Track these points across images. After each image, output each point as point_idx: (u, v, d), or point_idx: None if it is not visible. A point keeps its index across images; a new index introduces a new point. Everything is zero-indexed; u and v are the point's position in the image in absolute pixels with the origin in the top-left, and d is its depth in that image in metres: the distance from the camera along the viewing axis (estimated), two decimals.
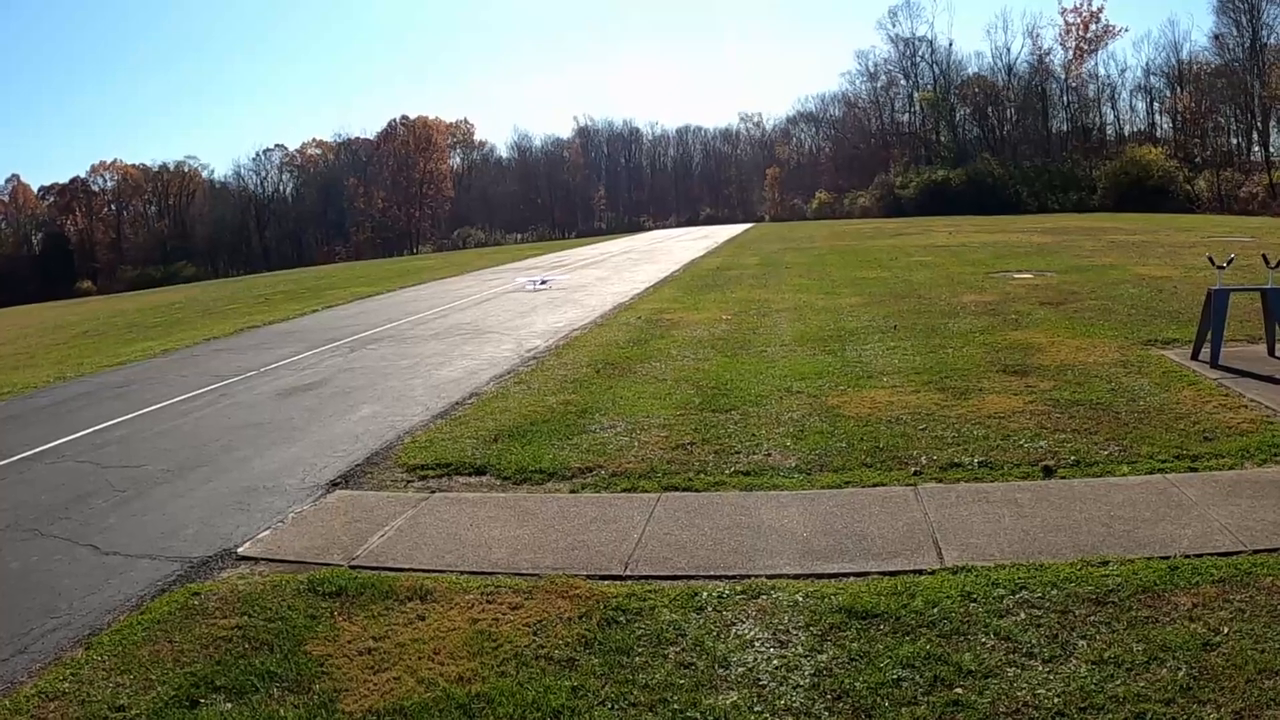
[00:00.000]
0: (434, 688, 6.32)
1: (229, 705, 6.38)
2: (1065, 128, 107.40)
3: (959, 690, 5.73)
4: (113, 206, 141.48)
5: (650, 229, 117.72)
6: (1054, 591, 6.87)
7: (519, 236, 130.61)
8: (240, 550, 9.43)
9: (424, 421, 14.26)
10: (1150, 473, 9.40)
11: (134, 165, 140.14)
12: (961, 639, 6.32)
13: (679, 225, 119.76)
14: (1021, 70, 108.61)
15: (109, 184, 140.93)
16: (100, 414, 17.47)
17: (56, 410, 18.71)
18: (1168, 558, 7.33)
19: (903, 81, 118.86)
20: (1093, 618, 6.47)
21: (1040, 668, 5.91)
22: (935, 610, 6.71)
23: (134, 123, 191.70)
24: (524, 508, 9.90)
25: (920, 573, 7.46)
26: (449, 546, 8.94)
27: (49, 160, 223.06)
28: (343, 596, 7.94)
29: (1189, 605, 6.53)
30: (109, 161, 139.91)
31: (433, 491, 10.77)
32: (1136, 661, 5.87)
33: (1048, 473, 9.60)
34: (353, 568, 8.61)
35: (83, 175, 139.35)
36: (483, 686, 6.26)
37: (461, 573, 8.28)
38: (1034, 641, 6.21)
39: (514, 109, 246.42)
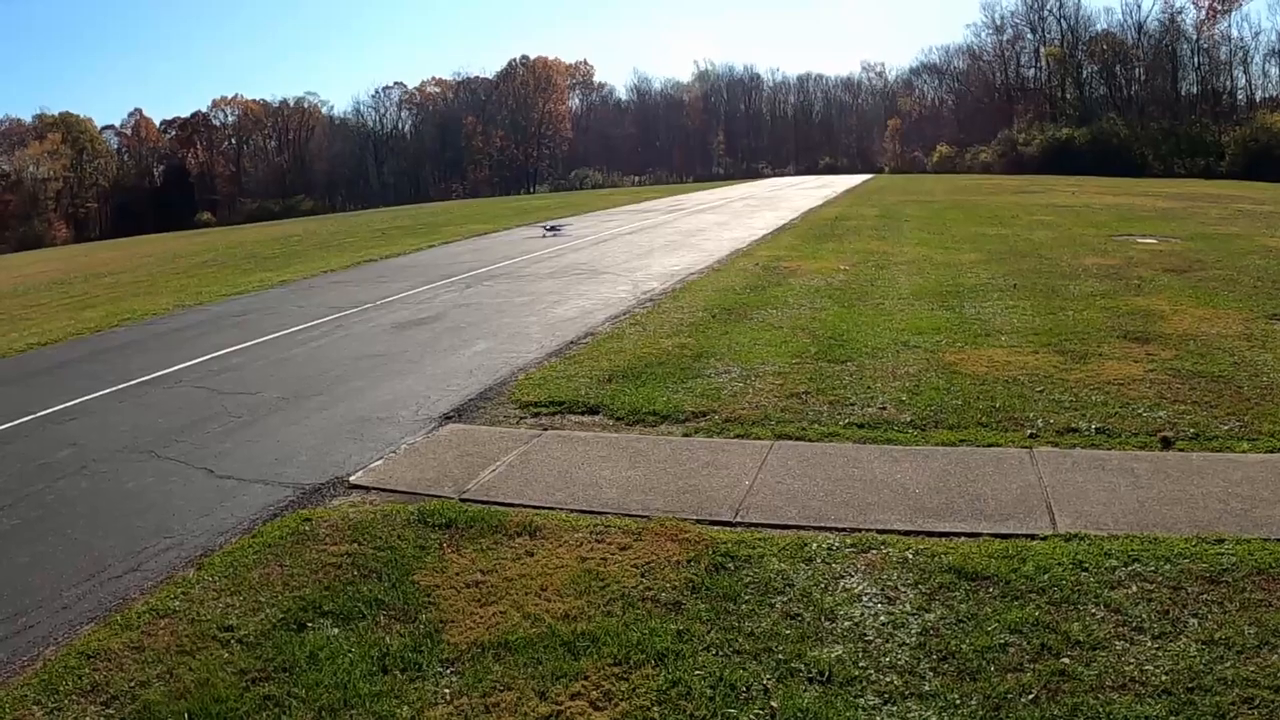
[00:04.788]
0: (539, 623, 6.41)
1: (336, 630, 6.55)
2: (1194, 90, 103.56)
3: (1066, 660, 5.65)
4: (233, 140, 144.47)
5: (769, 176, 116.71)
6: (1167, 566, 6.71)
7: (636, 179, 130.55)
8: (352, 479, 9.66)
9: (538, 359, 14.40)
10: (1270, 451, 9.06)
11: (255, 100, 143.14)
12: (1071, 608, 6.22)
13: (797, 173, 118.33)
14: (1151, 29, 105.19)
15: (230, 118, 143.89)
16: (218, 342, 17.99)
17: (175, 337, 19.29)
18: None
19: (1029, 35, 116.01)
20: (1205, 596, 6.30)
21: (1149, 643, 5.79)
22: (1046, 577, 6.61)
23: (255, 58, 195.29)
24: (636, 449, 9.95)
25: (1033, 537, 7.33)
26: (559, 484, 9.03)
27: (171, 94, 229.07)
28: (452, 529, 8.09)
29: None
30: (230, 96, 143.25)
31: (545, 429, 10.87)
32: (1248, 644, 5.71)
33: (1166, 444, 9.35)
34: (463, 501, 8.76)
35: (204, 110, 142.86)
36: (588, 625, 6.34)
37: (571, 511, 8.37)
38: (1144, 616, 6.08)
39: (634, 51, 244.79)
